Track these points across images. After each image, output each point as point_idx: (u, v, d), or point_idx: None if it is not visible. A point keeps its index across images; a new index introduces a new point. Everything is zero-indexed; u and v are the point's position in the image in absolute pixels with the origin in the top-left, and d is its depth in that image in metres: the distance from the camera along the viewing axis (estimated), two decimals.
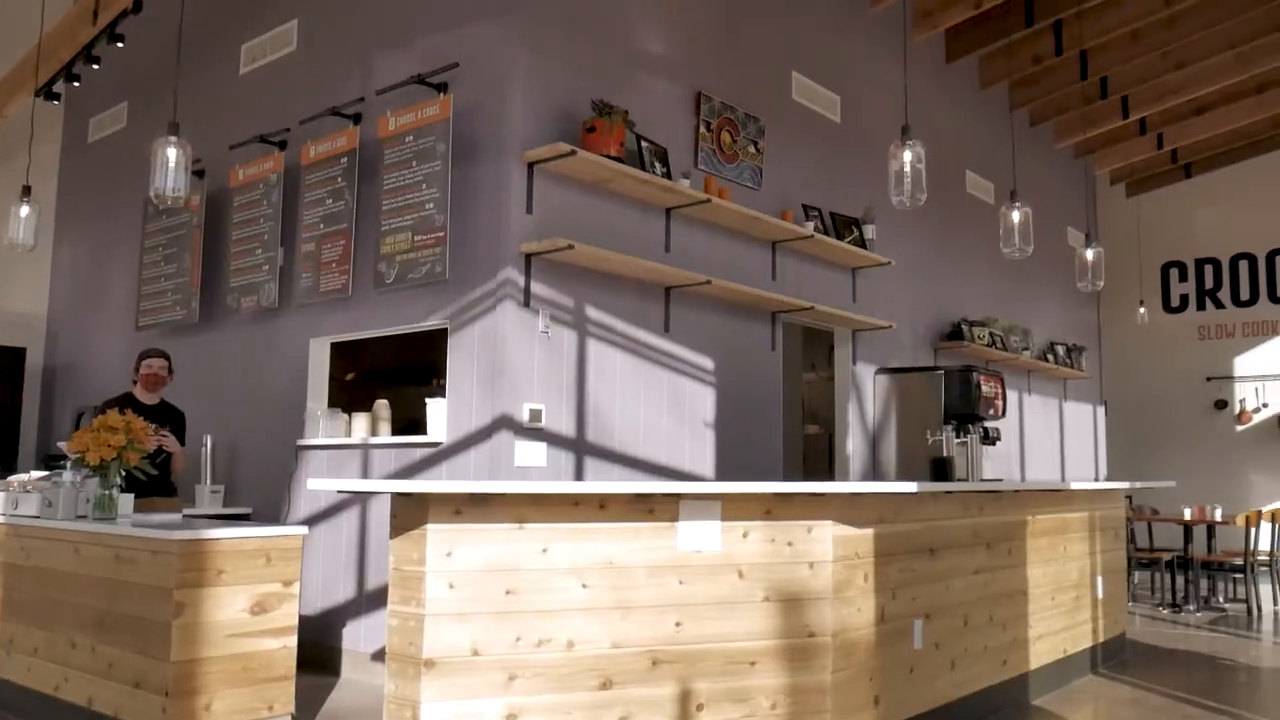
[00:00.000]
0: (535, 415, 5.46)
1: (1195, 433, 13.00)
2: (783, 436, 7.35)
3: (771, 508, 3.84)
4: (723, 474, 6.65)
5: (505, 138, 5.55)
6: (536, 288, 5.56)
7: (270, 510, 6.48)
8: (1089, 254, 6.89)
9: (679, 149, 6.58)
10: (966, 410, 7.81)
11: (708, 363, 6.65)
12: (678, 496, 3.70)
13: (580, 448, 5.75)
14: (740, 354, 6.96)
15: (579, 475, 5.71)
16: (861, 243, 7.88)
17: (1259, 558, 8.57)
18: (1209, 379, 13.05)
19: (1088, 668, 6.07)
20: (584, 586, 3.57)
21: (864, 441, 8.21)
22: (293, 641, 4.39)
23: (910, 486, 3.98)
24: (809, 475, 9.46)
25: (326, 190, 6.31)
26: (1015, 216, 5.66)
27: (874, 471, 8.28)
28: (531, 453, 5.45)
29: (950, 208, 9.78)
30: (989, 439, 7.93)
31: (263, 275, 6.66)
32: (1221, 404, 12.93)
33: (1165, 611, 8.69)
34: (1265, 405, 12.64)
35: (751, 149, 7.13)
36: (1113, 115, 10.55)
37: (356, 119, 6.28)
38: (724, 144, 6.90)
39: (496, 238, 5.51)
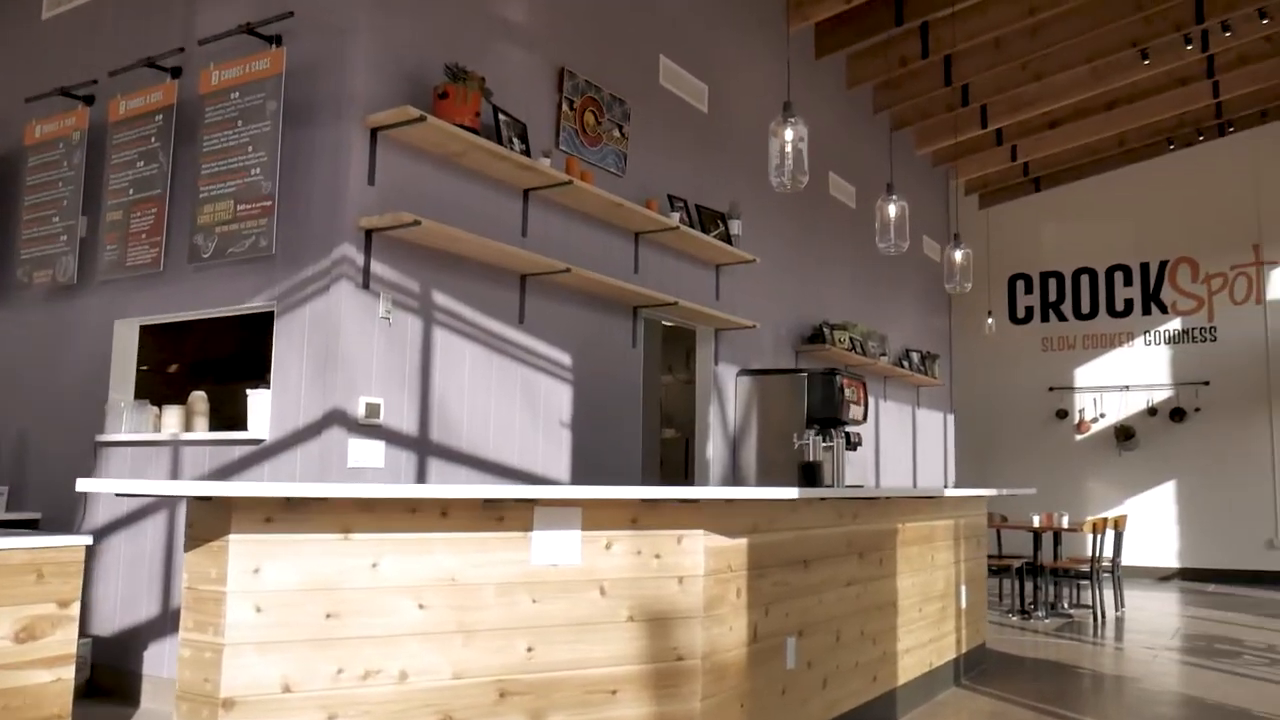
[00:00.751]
0: (373, 410, 4.88)
1: (1038, 441, 13.32)
2: (642, 440, 6.95)
3: (638, 515, 3.40)
4: (579, 478, 6.20)
5: (345, 99, 4.95)
6: (377, 268, 4.98)
7: (64, 516, 5.67)
8: (957, 255, 6.74)
9: (540, 127, 6.10)
10: (829, 414, 7.60)
11: (565, 358, 6.19)
12: (532, 502, 3.22)
13: (423, 447, 5.20)
14: (600, 350, 6.53)
15: (421, 478, 5.16)
16: (727, 238, 7.57)
17: (1102, 564, 8.67)
18: (1051, 389, 13.39)
19: (951, 680, 5.88)
20: (421, 607, 3.05)
21: (724, 445, 7.90)
22: (69, 673, 3.70)
23: (789, 492, 3.62)
24: (666, 480, 9.11)
25: (138, 151, 5.56)
26: (891, 210, 5.41)
27: (734, 477, 7.98)
28: (367, 452, 4.87)
29: (813, 209, 9.62)
30: (852, 444, 7.74)
31: (60, 246, 5.84)
32: (1062, 414, 13.28)
33: (1015, 618, 8.70)
34: (1102, 415, 13.04)
35: (616, 133, 6.72)
36: (972, 124, 10.62)
37: (175, 72, 5.55)
38: (588, 125, 6.46)
39: (332, 210, 4.90)
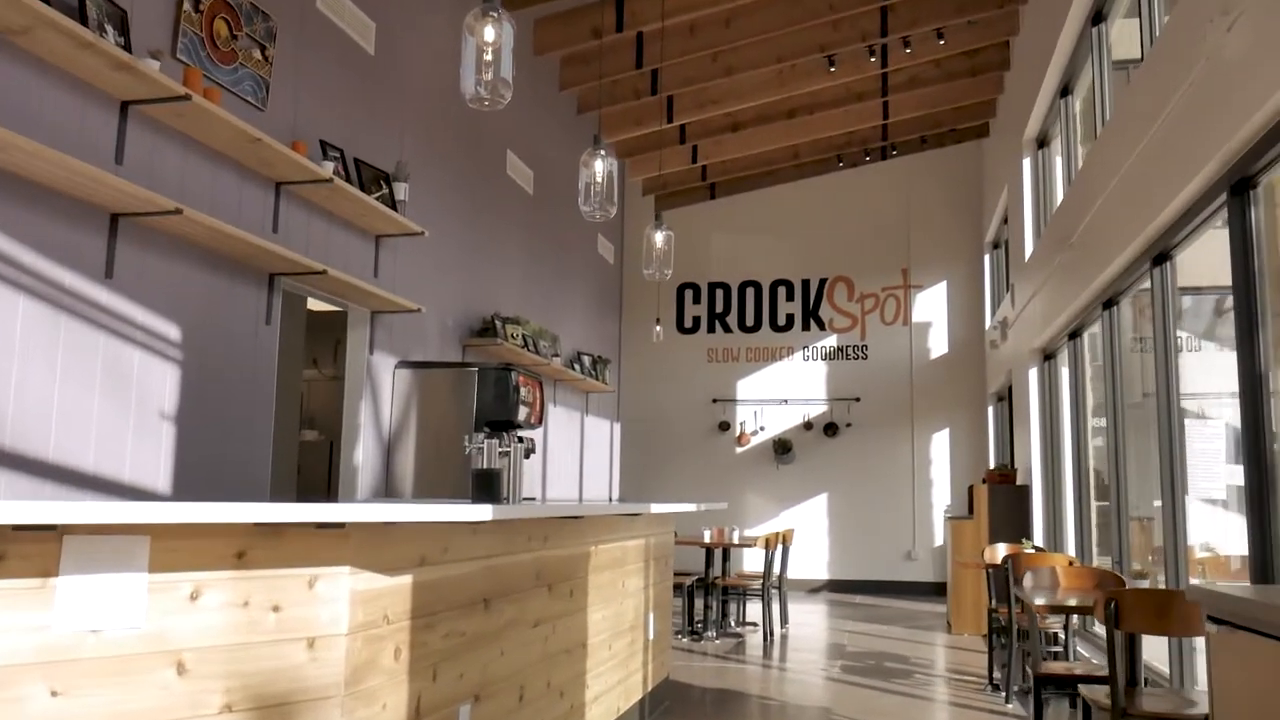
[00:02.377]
0: None
1: (700, 453, 13.12)
2: (273, 443, 5.59)
3: (248, 548, 2.22)
4: (185, 491, 4.77)
5: None
6: None
7: None
8: (659, 238, 6.00)
9: (150, 24, 4.63)
10: (503, 415, 6.62)
11: (172, 330, 4.75)
12: (58, 529, 1.95)
13: None
14: (222, 323, 5.12)
15: None
16: (391, 203, 6.39)
17: (770, 580, 8.34)
18: (715, 400, 13.25)
19: None
20: None
21: (378, 451, 6.68)
22: None
23: (478, 511, 2.56)
24: (305, 495, 7.71)
25: None
26: (599, 167, 4.53)
27: (387, 488, 6.78)
28: None
29: (488, 186, 8.63)
30: (527, 451, 6.79)
31: None
32: (724, 426, 13.17)
33: (686, 639, 8.15)
34: (762, 428, 13.06)
35: (258, 54, 5.35)
36: (657, 117, 10.11)
37: None
38: (218, 36, 5.06)
39: None
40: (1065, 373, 8.74)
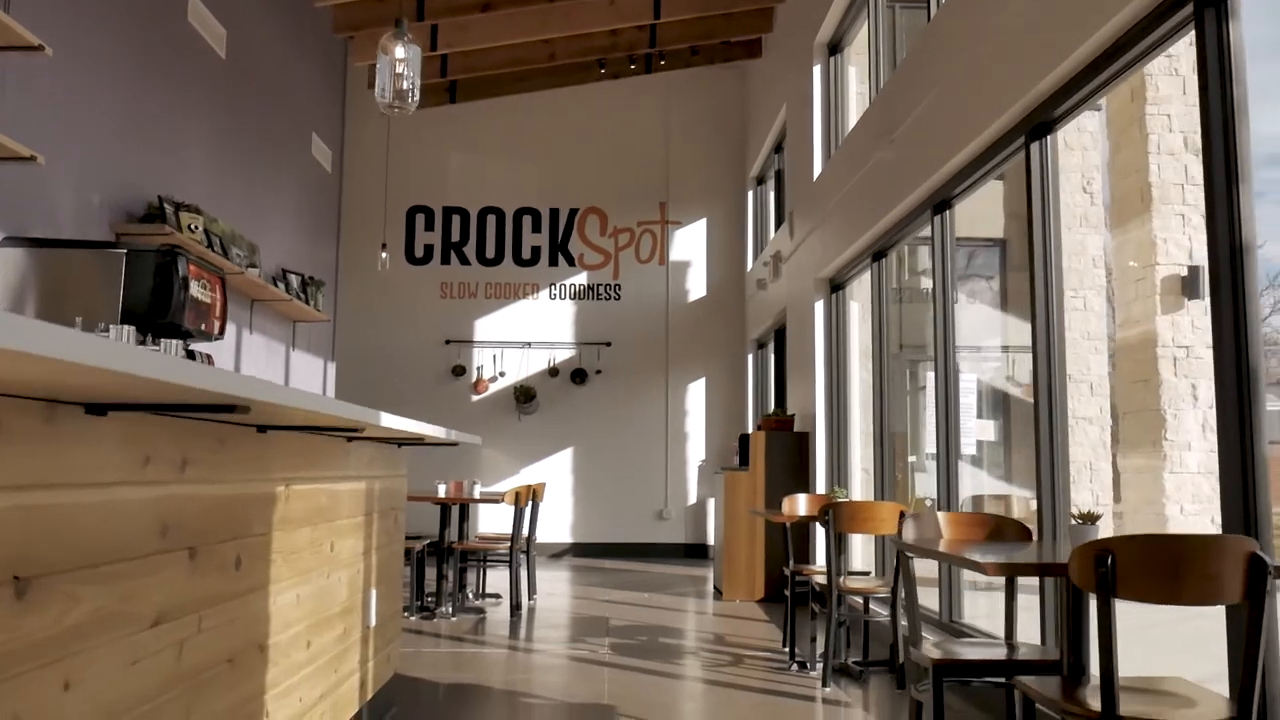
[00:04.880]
0: None
1: (431, 401, 11.39)
2: None
3: None
4: None
5: None
6: None
7: None
8: (400, 52, 4.27)
9: None
10: (164, 318, 4.71)
11: None
12: None
13: None
14: None
15: None
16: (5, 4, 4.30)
17: (519, 544, 6.87)
18: (448, 342, 11.56)
19: None
20: None
21: None
22: None
23: None
24: None
25: None
26: (401, 53, 2.86)
27: None
28: None
29: (164, 35, 6.53)
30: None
31: None
32: (459, 370, 11.52)
33: (415, 618, 6.52)
34: (502, 374, 11.53)
35: None
36: None
37: None
38: None
39: None
40: (855, 307, 7.80)
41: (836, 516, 4.81)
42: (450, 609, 6.72)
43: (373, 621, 3.70)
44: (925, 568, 5.44)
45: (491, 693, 4.53)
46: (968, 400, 8.43)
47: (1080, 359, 12.20)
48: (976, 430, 8.54)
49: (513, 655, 5.43)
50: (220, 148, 7.49)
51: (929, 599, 5.49)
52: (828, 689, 4.70)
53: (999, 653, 3.07)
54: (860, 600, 5.52)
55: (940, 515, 3.41)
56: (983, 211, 7.84)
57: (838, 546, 4.86)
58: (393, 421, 2.63)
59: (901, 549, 3.13)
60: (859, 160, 6.62)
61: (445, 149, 11.72)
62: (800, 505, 5.79)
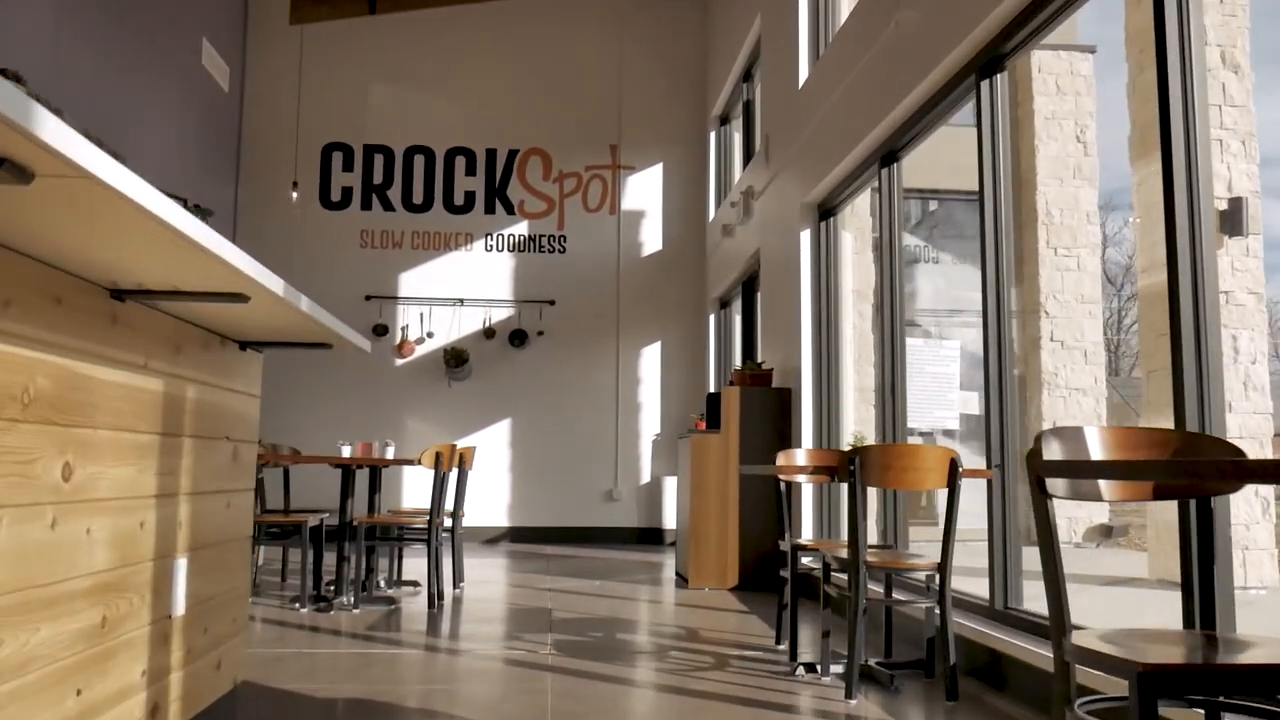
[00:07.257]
0: None
1: (351, 366, 9.93)
2: None
3: None
4: None
5: None
6: None
7: None
8: None
9: None
10: None
11: None
12: None
13: None
14: None
15: None
16: None
17: (441, 521, 5.50)
18: (369, 298, 10.11)
19: None
20: None
21: None
22: None
23: None
24: None
25: None
26: None
27: None
28: None
29: None
30: None
31: None
32: (382, 330, 10.07)
33: (306, 610, 5.12)
34: (430, 335, 10.10)
35: None
36: None
37: None
38: None
39: None
40: (848, 239, 6.55)
41: (865, 466, 3.52)
42: (352, 599, 5.32)
43: (179, 609, 2.32)
44: (961, 552, 4.18)
45: (393, 713, 3.16)
46: (949, 370, 7.22)
47: (1074, 324, 11.09)
48: (959, 403, 7.36)
49: (429, 658, 4.06)
50: (77, 38, 6.00)
51: (965, 584, 4.25)
52: (854, 701, 3.42)
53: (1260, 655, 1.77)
54: (879, 585, 4.25)
55: (1091, 431, 2.12)
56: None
57: (864, 508, 3.57)
58: (238, 257, 1.27)
59: (1048, 474, 1.83)
60: (865, 41, 5.36)
61: (366, 78, 10.26)
62: (800, 459, 4.50)
